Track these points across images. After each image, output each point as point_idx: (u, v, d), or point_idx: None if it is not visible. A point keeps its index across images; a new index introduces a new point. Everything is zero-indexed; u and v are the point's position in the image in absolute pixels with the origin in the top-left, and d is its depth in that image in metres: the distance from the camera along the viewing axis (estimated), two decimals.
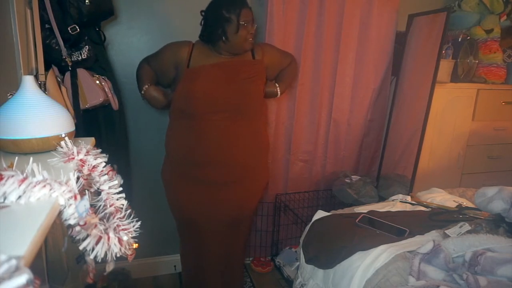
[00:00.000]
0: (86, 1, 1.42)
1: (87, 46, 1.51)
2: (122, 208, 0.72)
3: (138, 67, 1.74)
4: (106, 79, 1.62)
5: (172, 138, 1.70)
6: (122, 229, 0.68)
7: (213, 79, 1.60)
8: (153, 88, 1.70)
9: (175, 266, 2.40)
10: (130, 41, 2.02)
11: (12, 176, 0.55)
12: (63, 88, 1.39)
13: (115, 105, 1.64)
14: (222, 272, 1.84)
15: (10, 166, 0.61)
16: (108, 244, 0.63)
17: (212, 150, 1.61)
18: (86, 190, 0.68)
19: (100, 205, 0.71)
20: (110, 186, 0.72)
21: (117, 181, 0.74)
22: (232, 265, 1.87)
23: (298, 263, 1.77)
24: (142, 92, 1.70)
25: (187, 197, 1.69)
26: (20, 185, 0.54)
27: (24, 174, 0.56)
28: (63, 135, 0.79)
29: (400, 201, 1.86)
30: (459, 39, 2.46)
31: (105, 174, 0.73)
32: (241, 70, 1.65)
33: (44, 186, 0.56)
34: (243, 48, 1.62)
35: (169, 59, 1.66)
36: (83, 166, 0.70)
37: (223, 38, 1.56)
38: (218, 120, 1.59)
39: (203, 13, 1.64)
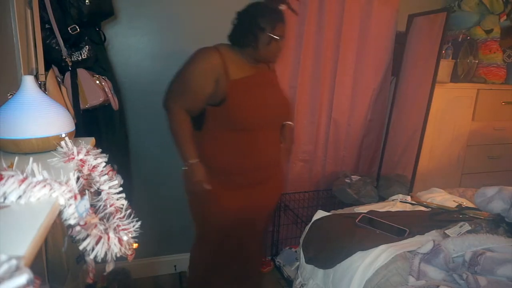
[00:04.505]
0: (86, 1, 1.42)
1: (87, 46, 1.51)
2: (122, 208, 0.72)
3: (172, 117, 1.57)
4: (106, 79, 1.62)
5: (218, 150, 1.60)
6: (122, 229, 0.68)
7: (258, 89, 1.60)
8: (201, 166, 1.56)
9: (175, 266, 2.41)
10: (130, 41, 2.02)
11: (12, 176, 0.55)
12: (63, 88, 1.39)
13: (115, 105, 1.64)
14: (238, 277, 1.86)
15: (10, 166, 0.61)
16: (108, 244, 0.63)
17: (257, 157, 1.63)
18: (86, 190, 0.68)
19: (100, 205, 0.71)
20: (110, 186, 0.72)
21: (117, 181, 0.74)
22: (249, 269, 1.90)
23: (298, 263, 1.77)
24: (189, 163, 1.55)
25: (228, 202, 1.65)
26: (20, 185, 0.54)
27: (24, 174, 0.56)
28: (63, 135, 0.79)
29: (400, 201, 1.86)
30: (459, 39, 2.46)
31: (105, 174, 0.73)
32: (271, 79, 1.69)
33: (44, 186, 0.56)
34: (269, 60, 1.63)
35: (208, 76, 1.51)
36: (83, 166, 0.70)
37: (253, 45, 1.53)
38: (265, 130, 1.62)
39: (237, 14, 1.59)
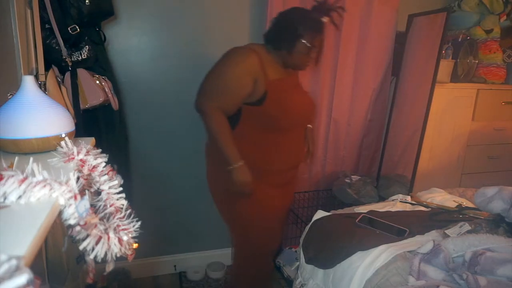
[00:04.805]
0: (86, 1, 1.42)
1: (87, 46, 1.51)
2: (122, 208, 0.72)
3: (211, 119, 1.50)
4: (106, 79, 1.62)
5: (255, 150, 1.58)
6: (122, 229, 0.68)
7: (293, 91, 1.63)
8: (248, 167, 1.52)
9: (175, 266, 2.41)
10: (130, 41, 2.02)
11: (12, 176, 0.55)
12: (63, 88, 1.39)
13: (115, 105, 1.64)
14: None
15: (10, 166, 0.61)
16: (108, 244, 0.63)
17: (291, 157, 1.66)
18: (86, 190, 0.68)
19: (100, 205, 0.71)
20: (110, 186, 0.72)
21: (117, 181, 0.74)
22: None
23: (298, 263, 1.77)
24: (236, 165, 1.50)
25: (271, 202, 1.66)
26: (20, 185, 0.54)
27: (24, 174, 0.56)
28: (63, 135, 0.79)
29: (400, 201, 1.86)
30: (459, 39, 2.46)
31: (105, 174, 0.72)
32: (299, 82, 1.73)
33: (44, 186, 0.56)
34: (298, 67, 1.63)
35: (248, 76, 1.48)
36: (83, 166, 0.70)
37: (288, 50, 1.52)
38: (296, 130, 1.65)
39: (279, 14, 1.58)
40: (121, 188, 0.74)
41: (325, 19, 1.53)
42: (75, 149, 0.71)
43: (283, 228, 1.86)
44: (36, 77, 1.24)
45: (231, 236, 1.91)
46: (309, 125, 1.81)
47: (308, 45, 1.50)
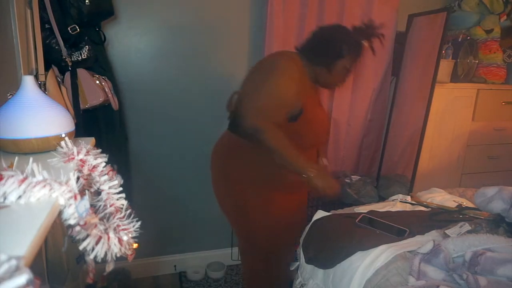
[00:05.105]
0: (86, 1, 1.42)
1: (87, 46, 1.51)
2: (122, 208, 0.72)
3: (270, 135, 1.37)
4: (106, 79, 1.62)
5: (274, 164, 1.49)
6: (122, 229, 0.68)
7: (320, 109, 1.63)
8: (324, 170, 1.50)
9: (175, 266, 2.41)
10: (130, 41, 2.02)
11: (12, 176, 0.55)
12: (63, 88, 1.39)
13: (115, 105, 1.64)
14: None
15: (10, 166, 0.61)
16: (108, 244, 0.63)
17: None
18: (86, 190, 0.68)
19: (100, 205, 0.71)
20: (110, 186, 0.72)
21: (117, 181, 0.74)
22: None
23: (298, 263, 1.77)
24: (311, 175, 1.40)
25: (284, 209, 1.67)
26: (20, 185, 0.54)
27: (24, 174, 0.56)
28: (63, 135, 0.79)
29: (400, 201, 1.86)
30: (459, 39, 2.46)
31: (105, 174, 0.72)
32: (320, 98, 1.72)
33: (44, 186, 0.56)
34: (329, 86, 1.63)
35: (297, 87, 1.42)
36: (83, 166, 0.70)
37: (326, 67, 1.49)
38: (319, 147, 1.67)
39: (321, 29, 1.54)
40: (121, 188, 0.74)
41: (365, 43, 1.51)
42: (75, 149, 0.71)
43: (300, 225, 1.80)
44: (36, 77, 1.24)
45: (239, 243, 1.90)
46: (324, 159, 1.80)
47: (348, 66, 1.49)
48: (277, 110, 1.41)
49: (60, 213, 0.57)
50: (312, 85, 1.56)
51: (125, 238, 0.67)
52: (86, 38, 1.51)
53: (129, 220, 0.71)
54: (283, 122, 1.43)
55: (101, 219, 0.66)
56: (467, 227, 1.44)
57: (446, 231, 1.44)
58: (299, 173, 1.43)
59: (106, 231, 0.64)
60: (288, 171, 1.48)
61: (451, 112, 2.42)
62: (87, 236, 0.60)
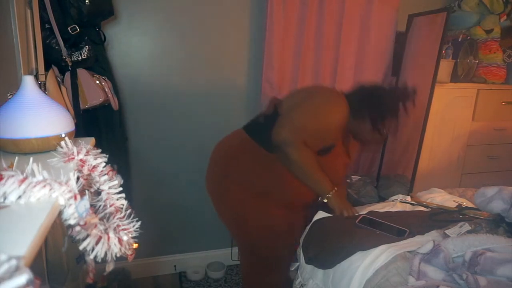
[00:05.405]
0: (86, 1, 1.42)
1: (87, 46, 1.51)
2: (122, 208, 0.72)
3: (299, 152, 1.44)
4: (106, 79, 1.62)
5: (285, 184, 1.57)
6: (122, 229, 0.68)
7: (345, 156, 1.66)
8: (340, 191, 1.58)
9: (175, 266, 2.41)
10: (130, 41, 2.02)
11: (12, 176, 0.55)
12: (63, 88, 1.39)
13: (115, 105, 1.64)
14: None
15: (10, 166, 0.61)
16: (108, 244, 0.63)
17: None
18: (86, 190, 0.68)
19: (100, 205, 0.71)
20: (110, 186, 0.72)
21: (117, 181, 0.74)
22: None
23: (298, 263, 1.77)
24: (330, 196, 1.55)
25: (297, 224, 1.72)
26: (20, 185, 0.54)
27: (24, 174, 0.56)
28: (63, 135, 0.79)
29: (400, 201, 1.86)
30: (459, 39, 2.46)
31: (105, 174, 0.72)
32: None
33: (44, 186, 0.56)
34: (360, 140, 1.67)
35: (341, 128, 1.52)
36: (83, 166, 0.70)
37: (371, 126, 1.53)
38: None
39: (362, 86, 1.60)
40: (121, 188, 0.74)
41: (401, 106, 1.55)
42: (75, 149, 0.71)
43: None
44: (36, 77, 1.24)
45: (237, 245, 1.89)
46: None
47: (381, 128, 1.53)
48: (316, 136, 1.47)
49: (60, 213, 0.57)
50: (346, 131, 1.61)
51: (125, 238, 0.67)
52: (86, 38, 1.52)
53: (129, 220, 0.71)
54: (313, 149, 1.48)
55: (101, 219, 0.66)
56: (467, 227, 1.44)
57: (446, 231, 1.44)
58: (319, 192, 1.56)
59: (106, 231, 0.64)
60: (300, 185, 1.54)
61: (451, 112, 2.41)
62: (87, 236, 0.60)
